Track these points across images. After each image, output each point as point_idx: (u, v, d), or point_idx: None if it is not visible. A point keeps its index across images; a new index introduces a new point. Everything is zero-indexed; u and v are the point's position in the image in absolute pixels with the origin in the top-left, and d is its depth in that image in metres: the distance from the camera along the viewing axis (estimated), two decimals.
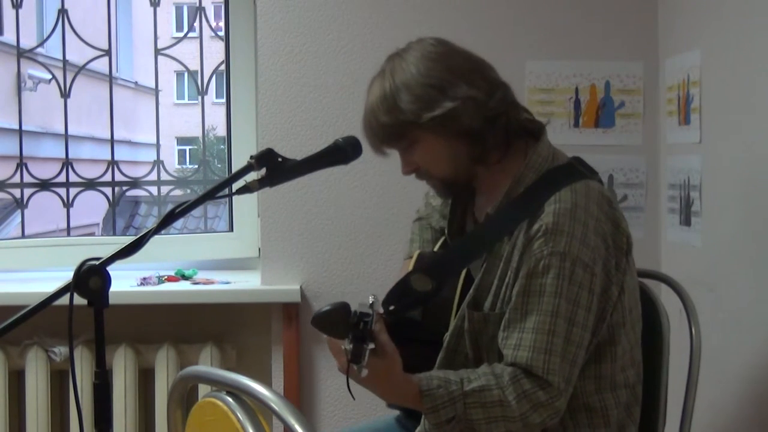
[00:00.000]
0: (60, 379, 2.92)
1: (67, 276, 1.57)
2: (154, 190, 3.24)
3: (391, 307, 1.82)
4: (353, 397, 1.97)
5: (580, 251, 1.71)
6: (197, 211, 2.23)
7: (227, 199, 3.10)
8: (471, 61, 1.84)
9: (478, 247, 1.82)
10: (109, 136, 3.23)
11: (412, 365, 1.77)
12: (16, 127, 3.19)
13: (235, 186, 1.71)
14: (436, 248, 2.08)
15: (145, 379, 2.92)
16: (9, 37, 4.22)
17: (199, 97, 3.24)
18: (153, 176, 3.22)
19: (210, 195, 1.70)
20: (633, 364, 1.85)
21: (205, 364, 2.84)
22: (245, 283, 2.94)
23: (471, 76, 1.80)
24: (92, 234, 5.79)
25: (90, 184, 3.18)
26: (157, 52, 3.22)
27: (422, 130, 1.79)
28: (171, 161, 13.60)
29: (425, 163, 1.85)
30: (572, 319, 1.70)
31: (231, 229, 3.15)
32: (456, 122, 1.77)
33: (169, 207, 1.66)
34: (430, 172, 1.86)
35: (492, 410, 1.69)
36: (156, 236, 1.62)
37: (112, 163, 3.16)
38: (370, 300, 1.75)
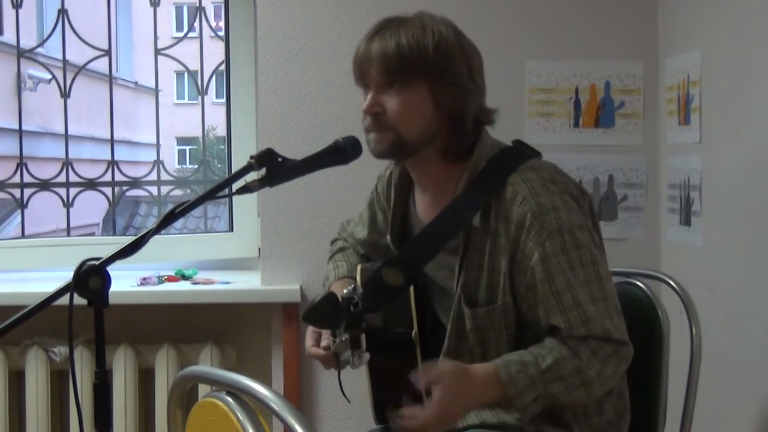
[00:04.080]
0: (60, 379, 2.92)
1: (67, 276, 1.57)
2: (154, 190, 3.24)
3: (361, 290, 1.80)
4: (348, 399, 1.98)
5: (570, 218, 1.75)
6: (197, 211, 2.23)
7: (227, 199, 3.10)
8: (481, 60, 1.87)
9: (444, 233, 1.82)
10: (109, 136, 3.23)
11: (388, 371, 1.77)
12: (16, 127, 3.19)
13: (235, 186, 1.71)
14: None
15: (145, 379, 2.92)
16: (9, 37, 4.21)
17: (199, 97, 3.24)
18: (153, 176, 3.22)
19: (210, 195, 1.70)
20: None
21: (205, 364, 2.84)
22: (245, 283, 2.95)
23: (482, 76, 1.85)
24: (92, 234, 5.79)
25: (90, 184, 3.18)
26: (157, 52, 3.23)
27: (429, 87, 1.78)
28: (171, 161, 13.59)
29: (398, 111, 1.78)
30: (599, 277, 1.74)
31: (231, 229, 3.16)
32: (459, 102, 1.79)
33: (169, 207, 1.66)
34: (394, 123, 1.78)
35: (571, 380, 1.70)
36: (156, 236, 1.62)
37: (112, 163, 3.16)
38: (351, 288, 1.76)
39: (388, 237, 2.01)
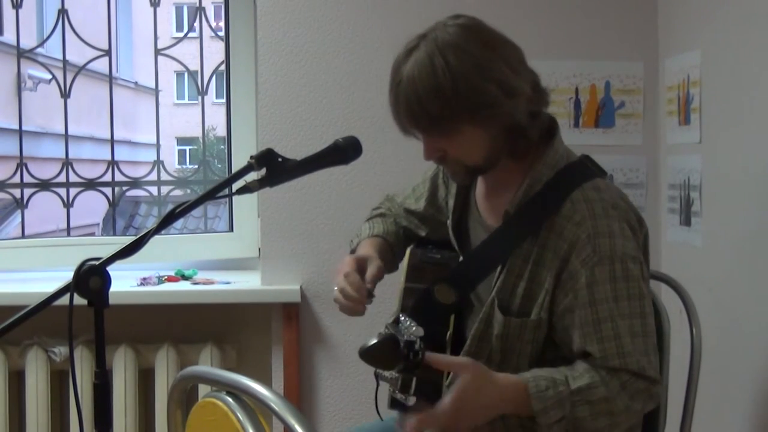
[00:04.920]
0: (60, 379, 2.92)
1: (67, 276, 1.57)
2: (154, 190, 3.24)
3: (423, 332, 1.72)
4: (381, 417, 1.96)
5: (624, 247, 1.71)
6: (197, 211, 2.22)
7: (227, 199, 3.10)
8: (516, 50, 1.76)
9: (500, 252, 1.78)
10: (109, 136, 3.23)
11: None
12: (16, 127, 3.19)
13: (235, 186, 1.70)
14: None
15: (145, 379, 2.92)
16: (9, 37, 4.21)
17: (199, 97, 3.24)
18: (153, 176, 3.22)
19: (210, 195, 1.70)
20: None
21: (205, 364, 2.84)
22: (245, 283, 2.94)
23: (521, 68, 1.74)
24: (92, 234, 5.78)
25: (90, 184, 3.18)
26: (157, 52, 3.23)
27: (471, 124, 1.70)
28: (171, 161, 13.57)
29: (459, 152, 1.75)
30: (643, 312, 1.71)
31: (231, 229, 3.15)
32: (508, 118, 1.71)
33: (169, 207, 1.66)
34: (461, 160, 1.77)
35: (598, 406, 1.67)
36: (156, 236, 1.62)
37: (112, 163, 3.16)
38: (409, 324, 1.69)
39: (449, 222, 1.97)
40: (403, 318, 1.74)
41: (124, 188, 3.35)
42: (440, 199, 2.06)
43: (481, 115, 1.69)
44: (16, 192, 3.11)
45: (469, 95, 1.67)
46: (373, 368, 1.78)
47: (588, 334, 1.70)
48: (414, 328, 1.69)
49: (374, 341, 1.65)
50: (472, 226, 1.93)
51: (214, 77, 3.24)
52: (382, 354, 1.65)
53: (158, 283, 2.93)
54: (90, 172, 3.20)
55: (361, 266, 1.90)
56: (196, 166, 3.47)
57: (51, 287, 1.58)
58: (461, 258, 1.93)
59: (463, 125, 1.71)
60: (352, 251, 2.04)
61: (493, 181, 1.86)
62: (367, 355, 1.67)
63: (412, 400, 1.70)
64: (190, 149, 14.78)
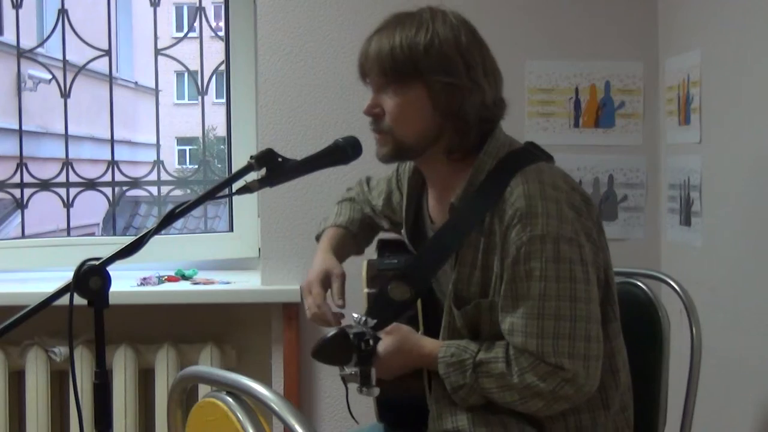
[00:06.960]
0: (60, 379, 2.92)
1: (67, 276, 1.57)
2: (154, 190, 3.24)
3: (374, 322, 1.78)
4: (356, 421, 1.97)
5: (559, 228, 1.69)
6: (197, 211, 2.22)
7: (227, 199, 3.10)
8: (495, 63, 1.83)
9: (450, 244, 1.79)
10: (109, 136, 3.23)
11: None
12: (16, 127, 3.19)
13: (235, 186, 1.71)
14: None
15: (145, 379, 2.92)
16: (9, 37, 4.22)
17: (199, 97, 3.24)
18: (153, 176, 3.22)
19: (210, 195, 1.70)
20: (623, 347, 1.85)
21: (205, 364, 2.84)
22: (245, 283, 2.95)
23: (494, 77, 1.81)
24: (92, 234, 5.78)
25: (90, 184, 3.18)
26: (157, 52, 3.23)
27: (425, 87, 1.75)
28: (171, 161, 13.59)
29: (395, 113, 1.78)
30: (573, 295, 1.69)
31: (231, 229, 3.16)
32: (457, 101, 1.75)
33: (169, 207, 1.66)
34: (392, 126, 1.79)
35: (500, 380, 1.71)
36: (156, 236, 1.62)
37: (112, 163, 3.16)
38: (360, 318, 1.74)
39: (403, 231, 2.01)
40: (356, 316, 1.77)
41: (124, 188, 3.35)
42: (395, 203, 2.10)
43: (436, 78, 1.75)
44: (16, 192, 3.11)
45: (436, 57, 1.74)
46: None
47: (504, 307, 1.72)
48: (364, 320, 1.73)
49: (325, 338, 1.69)
50: (427, 235, 1.94)
51: (214, 77, 3.24)
52: (334, 349, 1.70)
53: (158, 283, 2.93)
54: (90, 172, 3.20)
55: (325, 283, 1.96)
56: (196, 166, 3.47)
57: (51, 287, 1.58)
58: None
59: (414, 82, 1.75)
60: (318, 236, 2.13)
61: (440, 186, 1.87)
62: (320, 353, 1.72)
63: (376, 392, 1.72)
64: (190, 149, 14.80)
